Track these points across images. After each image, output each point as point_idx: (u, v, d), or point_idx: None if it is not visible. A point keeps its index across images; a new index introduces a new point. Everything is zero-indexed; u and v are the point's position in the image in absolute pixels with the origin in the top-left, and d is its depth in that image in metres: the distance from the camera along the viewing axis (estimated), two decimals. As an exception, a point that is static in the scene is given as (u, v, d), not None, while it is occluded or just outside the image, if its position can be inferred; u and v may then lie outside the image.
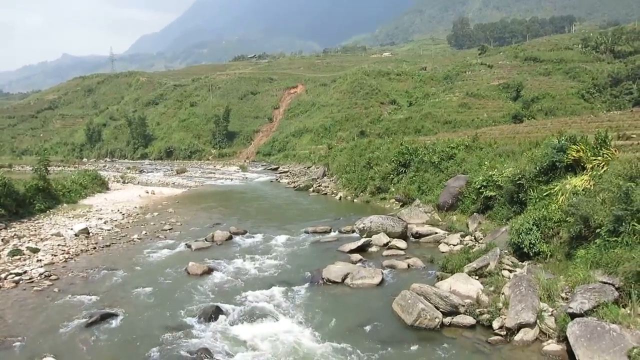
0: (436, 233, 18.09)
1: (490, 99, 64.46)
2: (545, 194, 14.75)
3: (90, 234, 19.97)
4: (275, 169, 58.23)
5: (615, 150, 14.12)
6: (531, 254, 13.17)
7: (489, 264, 13.09)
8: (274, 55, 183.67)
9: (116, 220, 23.31)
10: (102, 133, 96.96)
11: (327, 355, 9.01)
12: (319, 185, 36.11)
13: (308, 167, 51.27)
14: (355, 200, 29.11)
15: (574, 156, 14.63)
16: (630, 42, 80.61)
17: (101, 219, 23.52)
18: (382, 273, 13.35)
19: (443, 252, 15.82)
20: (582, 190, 13.35)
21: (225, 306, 11.30)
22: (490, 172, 18.63)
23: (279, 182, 43.66)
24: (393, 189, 26.56)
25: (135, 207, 27.48)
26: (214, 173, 54.34)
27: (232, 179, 47.18)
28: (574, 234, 11.96)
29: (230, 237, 18.95)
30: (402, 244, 16.99)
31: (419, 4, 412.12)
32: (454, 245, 16.58)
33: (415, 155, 26.15)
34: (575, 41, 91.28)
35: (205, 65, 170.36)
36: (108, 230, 21.10)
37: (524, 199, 15.78)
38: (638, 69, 60.27)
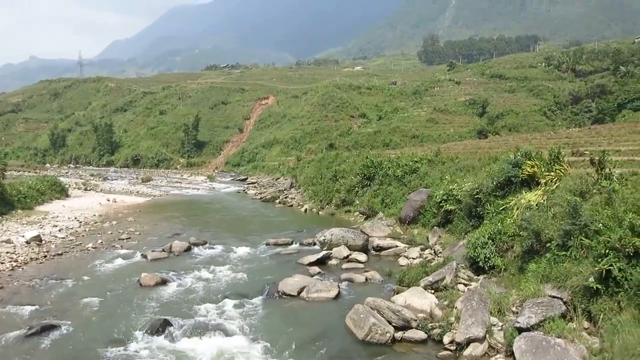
0: (397, 246, 18.12)
1: (457, 115, 65.82)
2: (501, 208, 14.96)
3: (43, 242, 19.24)
4: (244, 180, 57.68)
5: (568, 166, 14.46)
6: (486, 268, 13.30)
7: (444, 277, 13.16)
8: (246, 66, 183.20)
9: (72, 228, 22.54)
10: (67, 138, 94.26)
11: (274, 371, 8.80)
12: (286, 197, 35.89)
13: (277, 179, 50.97)
14: (320, 213, 29.01)
15: (528, 171, 14.94)
16: (590, 62, 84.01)
17: (56, 226, 22.71)
18: (339, 287, 13.22)
19: (402, 266, 15.81)
20: (536, 204, 13.62)
21: (174, 319, 10.93)
22: (450, 187, 18.84)
23: (246, 193, 43.20)
24: (358, 202, 26.59)
25: (94, 215, 26.67)
26: (180, 182, 53.40)
27: (198, 189, 46.45)
28: (526, 248, 12.15)
29: (189, 248, 18.52)
30: (362, 257, 16.93)
31: (392, 19, 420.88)
32: (414, 258, 16.62)
33: (380, 169, 26.28)
34: (539, 60, 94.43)
35: (177, 74, 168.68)
36: (62, 238, 20.37)
37: (481, 213, 15.98)
38: (597, 87, 62.59)
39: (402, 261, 16.45)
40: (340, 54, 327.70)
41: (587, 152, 18.01)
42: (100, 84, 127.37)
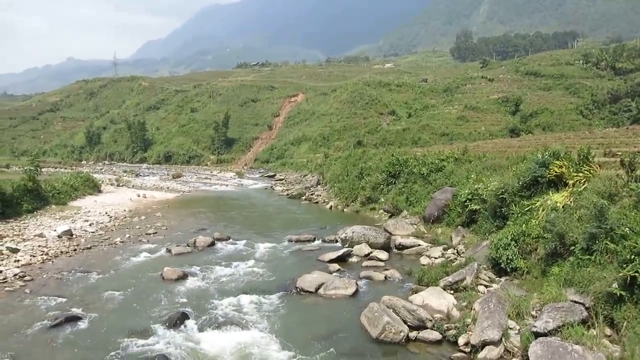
0: (419, 245, 17.93)
1: (489, 113, 64.39)
2: (526, 209, 14.61)
3: (74, 236, 19.91)
4: (272, 177, 58.07)
5: (597, 167, 13.97)
6: (508, 270, 13.03)
7: (465, 278, 12.95)
8: (276, 64, 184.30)
9: (102, 223, 23.22)
10: (102, 136, 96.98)
11: (286, 367, 8.88)
12: (312, 194, 35.99)
13: (304, 176, 51.10)
14: (345, 210, 28.96)
15: (556, 172, 14.52)
16: (631, 60, 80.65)
17: (87, 221, 23.44)
18: (357, 284, 13.20)
19: (423, 265, 15.62)
20: (562, 206, 13.23)
21: (192, 313, 11.19)
22: (476, 186, 18.51)
23: (273, 189, 43.50)
24: (382, 200, 26.42)
25: (124, 210, 27.38)
26: (209, 179, 54.24)
27: (227, 185, 47.06)
28: (549, 251, 11.83)
29: (212, 243, 18.83)
30: (383, 255, 16.82)
31: (424, 16, 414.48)
32: (436, 258, 16.41)
33: (406, 167, 26.02)
34: (577, 57, 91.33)
35: (208, 72, 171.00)
36: (92, 232, 21.02)
37: (506, 213, 15.65)
38: (637, 86, 60.19)
39: (424, 260, 16.27)
40: (371, 51, 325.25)
41: (620, 153, 17.34)
42: (134, 83, 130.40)
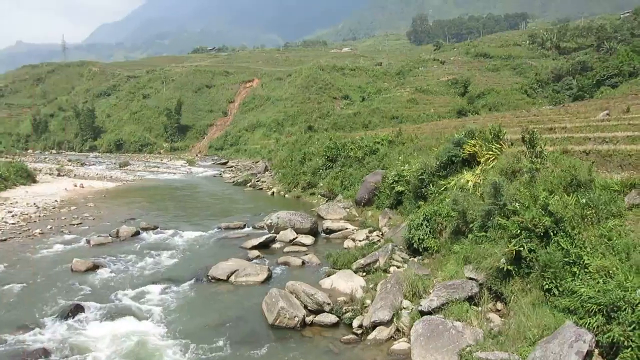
0: (346, 229, 17.93)
1: (439, 95, 65.35)
2: (442, 189, 14.78)
3: (-10, 229, 18.89)
4: (224, 164, 57.31)
5: (504, 145, 14.21)
6: (421, 250, 13.15)
7: (377, 260, 12.99)
8: (234, 48, 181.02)
9: (27, 214, 22.16)
10: (50, 124, 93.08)
11: (169, 355, 8.63)
12: (257, 180, 35.61)
13: (256, 162, 50.55)
14: (286, 196, 28.76)
15: (469, 151, 14.71)
16: (574, 39, 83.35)
17: (10, 212, 22.33)
18: (269, 270, 13.03)
19: (345, 249, 15.63)
20: (473, 185, 13.41)
21: (89, 304, 10.75)
22: (402, 167, 18.61)
23: (221, 176, 42.87)
24: (321, 184, 26.33)
25: (56, 201, 26.26)
26: (158, 167, 52.92)
27: (175, 174, 46.03)
28: (452, 229, 11.98)
29: (137, 233, 18.26)
30: (308, 240, 16.72)
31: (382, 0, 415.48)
32: (360, 241, 16.44)
33: (343, 151, 25.97)
34: (524, 38, 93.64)
35: (163, 57, 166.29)
36: (12, 224, 20.01)
37: (425, 194, 15.79)
38: (578, 64, 62.26)
39: (347, 243, 16.28)
40: (330, 35, 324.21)
41: (536, 130, 17.72)
42: (84, 68, 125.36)
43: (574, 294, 7.67)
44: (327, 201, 23.84)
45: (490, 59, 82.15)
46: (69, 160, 58.87)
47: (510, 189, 10.84)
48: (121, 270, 13.70)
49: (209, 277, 12.79)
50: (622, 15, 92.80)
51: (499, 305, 9.44)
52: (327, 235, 17.93)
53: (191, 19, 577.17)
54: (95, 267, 13.68)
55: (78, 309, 10.44)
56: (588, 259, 8.00)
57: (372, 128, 51.08)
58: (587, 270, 7.84)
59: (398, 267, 12.65)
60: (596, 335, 6.84)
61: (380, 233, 16.91)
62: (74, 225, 20.03)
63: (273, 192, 30.06)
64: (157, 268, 13.92)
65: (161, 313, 10.51)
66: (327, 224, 18.68)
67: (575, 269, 8.12)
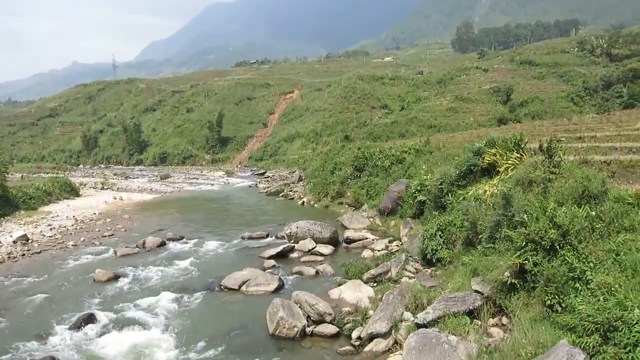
0: (366, 239, 17.78)
1: (480, 103, 63.77)
2: (461, 198, 14.40)
3: (29, 241, 19.96)
4: (262, 174, 58.03)
5: (527, 154, 13.70)
6: (434, 260, 12.85)
7: (389, 270, 12.81)
8: (276, 61, 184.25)
9: (64, 227, 23.26)
10: (99, 140, 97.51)
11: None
12: (290, 190, 35.90)
13: (292, 172, 51.05)
14: (315, 205, 28.82)
15: (488, 160, 14.30)
16: (627, 46, 79.37)
17: (50, 225, 23.51)
18: (281, 280, 13.08)
19: (364, 258, 15.47)
20: (491, 194, 13.00)
21: (102, 314, 11.14)
22: (424, 177, 18.30)
23: (257, 187, 43.48)
24: (349, 193, 26.24)
25: (94, 214, 27.42)
26: (197, 178, 54.34)
27: (212, 185, 47.11)
28: (463, 240, 11.64)
29: (163, 244, 18.80)
30: (326, 249, 16.68)
31: (426, 8, 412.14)
32: (379, 250, 16.24)
33: (370, 160, 25.81)
34: (573, 45, 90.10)
35: (207, 71, 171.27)
36: (49, 236, 21.04)
37: (445, 203, 15.44)
38: (629, 72, 59.22)
39: (365, 253, 16.11)
40: (373, 45, 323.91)
41: (563, 139, 17.00)
42: (132, 85, 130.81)
43: (575, 310, 7.27)
44: (354, 210, 23.73)
45: (535, 66, 79.41)
46: (115, 174, 61.43)
47: (521, 200, 10.47)
48: (140, 280, 14.13)
49: (222, 287, 12.99)
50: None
51: (504, 320, 9.07)
52: (348, 245, 17.83)
53: (237, 34, 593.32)
54: (116, 277, 14.18)
55: (91, 318, 10.84)
56: (591, 275, 7.57)
57: (409, 137, 50.49)
58: (589, 287, 7.41)
59: (410, 278, 12.41)
60: (592, 356, 6.44)
61: (400, 243, 16.66)
62: (105, 236, 20.86)
63: (303, 202, 30.21)
64: (174, 278, 14.26)
65: (168, 322, 10.75)
66: (348, 233, 18.59)
67: (578, 285, 7.70)
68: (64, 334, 10.26)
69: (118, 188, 43.45)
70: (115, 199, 33.78)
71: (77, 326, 10.50)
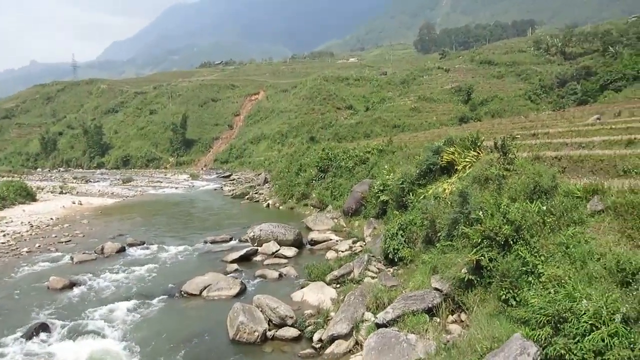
0: (330, 240, 17.81)
1: (442, 103, 65.04)
2: (421, 197, 14.58)
3: (-20, 249, 19.05)
4: (228, 177, 57.41)
5: (484, 152, 13.99)
6: (396, 260, 12.95)
7: (352, 271, 12.83)
8: (241, 62, 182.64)
9: (19, 233, 22.32)
10: (58, 142, 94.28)
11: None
12: (255, 193, 35.64)
13: (258, 175, 50.65)
14: (281, 208, 28.68)
15: (447, 159, 14.53)
16: (580, 44, 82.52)
17: (3, 231, 22.52)
18: (242, 284, 12.91)
19: (328, 260, 15.45)
20: (449, 193, 13.20)
21: (55, 323, 10.73)
22: (387, 177, 18.45)
23: (222, 190, 42.94)
24: (314, 195, 26.23)
25: (51, 219, 26.44)
26: (161, 182, 53.21)
27: (176, 188, 46.23)
28: (423, 238, 11.78)
29: (122, 249, 18.27)
30: (290, 252, 16.60)
31: (391, 9, 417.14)
32: (343, 251, 16.26)
33: (335, 161, 25.87)
34: (529, 44, 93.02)
35: (171, 72, 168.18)
36: (2, 243, 20.14)
37: (406, 202, 15.60)
38: (583, 69, 61.59)
39: (329, 254, 16.09)
40: (339, 46, 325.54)
41: (518, 136, 17.47)
42: (93, 86, 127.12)
43: (528, 304, 7.44)
44: (317, 212, 23.72)
45: (494, 66, 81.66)
46: (74, 178, 59.48)
47: (477, 197, 10.67)
48: (97, 287, 13.67)
49: (182, 293, 12.72)
50: (629, 20, 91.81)
51: (463, 316, 9.22)
52: (312, 247, 17.80)
53: (202, 34, 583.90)
54: (71, 285, 13.67)
55: (43, 327, 10.42)
56: (542, 268, 7.78)
57: (373, 137, 50.92)
58: (541, 280, 7.61)
59: (372, 278, 12.46)
60: (544, 348, 6.60)
61: (364, 243, 16.73)
62: (62, 242, 20.12)
63: (268, 204, 30.01)
64: (133, 284, 13.87)
65: (126, 330, 10.43)
66: (313, 235, 18.57)
67: (531, 279, 7.90)
68: (15, 344, 9.82)
69: (77, 192, 42.07)
70: (74, 203, 32.71)
71: (28, 336, 10.06)
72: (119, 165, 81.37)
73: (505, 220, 8.93)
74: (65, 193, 41.40)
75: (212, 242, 18.97)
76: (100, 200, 35.99)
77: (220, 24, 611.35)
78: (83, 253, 17.59)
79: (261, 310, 10.31)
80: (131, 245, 18.91)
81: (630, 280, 6.70)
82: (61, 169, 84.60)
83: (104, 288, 13.58)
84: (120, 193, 41.17)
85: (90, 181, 55.86)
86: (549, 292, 7.16)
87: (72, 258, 17.01)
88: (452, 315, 9.33)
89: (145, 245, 19.12)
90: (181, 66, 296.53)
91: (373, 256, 13.75)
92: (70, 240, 20.53)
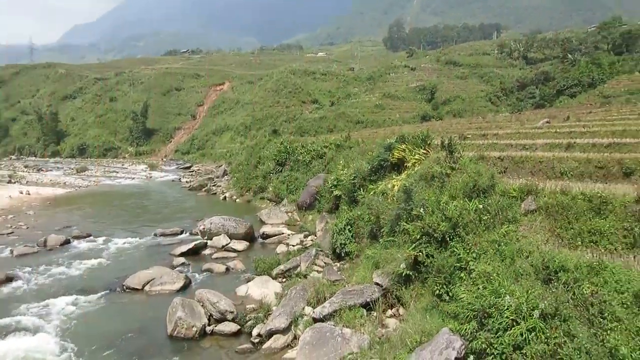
0: (282, 234, 17.74)
1: (406, 100, 65.80)
2: (371, 193, 14.68)
3: None
4: (188, 168, 56.39)
5: (433, 150, 14.20)
6: (343, 254, 13.02)
7: (299, 265, 12.81)
8: (208, 51, 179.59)
9: (-43, 224, 21.28)
10: (11, 129, 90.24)
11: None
12: (213, 185, 35.13)
13: (220, 166, 49.98)
14: (237, 200, 28.36)
15: (397, 155, 14.68)
16: (541, 50, 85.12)
17: (-59, 222, 21.40)
18: (187, 278, 12.69)
19: (278, 254, 15.38)
20: (398, 189, 13.33)
21: (-13, 319, 10.23)
22: (341, 172, 18.49)
23: (180, 181, 42.12)
24: (270, 188, 26.07)
25: (-5, 209, 25.32)
26: (117, 172, 51.76)
27: (133, 179, 45.05)
28: (367, 233, 11.88)
29: (67, 242, 17.66)
30: (240, 245, 16.44)
31: (361, 6, 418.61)
32: (294, 245, 16.25)
33: (292, 155, 25.77)
34: (494, 47, 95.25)
35: (134, 59, 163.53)
36: (-61, 234, 19.15)
37: (357, 198, 15.67)
38: (542, 74, 63.44)
39: (280, 248, 16.06)
40: (308, 40, 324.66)
41: (469, 136, 17.89)
42: (51, 70, 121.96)
43: (458, 299, 7.60)
44: (273, 205, 23.61)
45: (459, 66, 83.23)
46: (26, 166, 57.14)
47: (421, 194, 10.81)
48: (36, 281, 13.17)
49: (124, 287, 12.39)
50: (588, 29, 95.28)
51: (401, 311, 9.34)
52: (264, 241, 17.70)
53: (166, 21, 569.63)
54: (8, 279, 13.11)
55: (-29, 322, 9.93)
56: (474, 264, 7.95)
57: (336, 132, 51.02)
58: (472, 276, 7.78)
59: (318, 272, 12.47)
60: (470, 342, 6.75)
61: (315, 237, 16.74)
62: (3, 234, 19.28)
63: (225, 197, 29.62)
64: (75, 279, 13.43)
65: (62, 327, 10.09)
66: (265, 229, 18.45)
67: (463, 275, 8.07)
68: (-62, 342, 9.32)
69: (27, 182, 40.41)
70: (21, 193, 31.41)
71: (-46, 333, 9.58)
72: (75, 154, 78.57)
73: (443, 217, 9.09)
74: (14, 182, 39.70)
75: (162, 235, 18.59)
76: (51, 190, 34.65)
77: (185, 13, 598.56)
78: (24, 246, 16.91)
79: (202, 305, 10.15)
80: (77, 237, 18.31)
81: (552, 278, 6.92)
82: (13, 157, 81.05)
83: (43, 282, 13.10)
84: (73, 183, 39.78)
85: (42, 170, 53.74)
86: (478, 288, 7.32)
87: (12, 251, 16.32)
88: (391, 309, 9.45)
89: (91, 237, 18.54)
90: (146, 53, 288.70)
91: (322, 250, 13.78)
92: (12, 232, 19.70)
